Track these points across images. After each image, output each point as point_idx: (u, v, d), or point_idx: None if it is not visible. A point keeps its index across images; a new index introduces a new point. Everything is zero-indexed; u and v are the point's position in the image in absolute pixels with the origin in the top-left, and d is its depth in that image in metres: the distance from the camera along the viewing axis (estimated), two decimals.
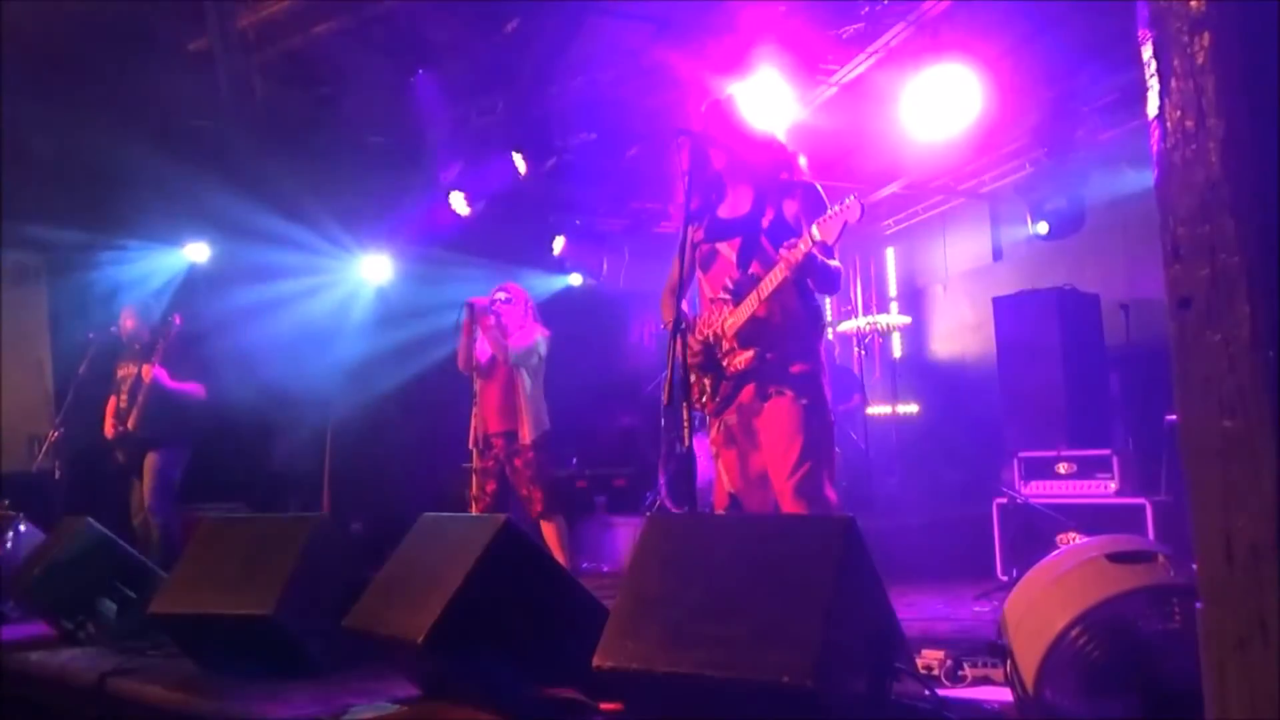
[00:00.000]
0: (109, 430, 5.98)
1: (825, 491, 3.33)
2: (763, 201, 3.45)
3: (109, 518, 5.21)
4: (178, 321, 5.99)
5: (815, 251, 3.20)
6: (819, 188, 3.48)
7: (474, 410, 5.43)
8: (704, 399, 3.49)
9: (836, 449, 6.56)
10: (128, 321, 6.13)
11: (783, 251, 3.23)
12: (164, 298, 6.87)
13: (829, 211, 3.17)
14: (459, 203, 7.50)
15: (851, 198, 3.10)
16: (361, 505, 7.79)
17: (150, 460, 5.83)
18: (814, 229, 3.16)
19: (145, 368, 5.82)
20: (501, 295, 5.52)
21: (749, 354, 3.38)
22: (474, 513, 5.31)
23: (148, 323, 6.10)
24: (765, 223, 3.42)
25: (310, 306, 7.92)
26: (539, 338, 5.44)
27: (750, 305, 3.35)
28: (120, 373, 6.06)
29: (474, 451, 5.41)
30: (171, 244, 7.67)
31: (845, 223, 3.11)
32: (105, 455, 6.04)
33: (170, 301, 6.70)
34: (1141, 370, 6.47)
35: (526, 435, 5.28)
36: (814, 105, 6.69)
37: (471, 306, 5.39)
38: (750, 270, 3.39)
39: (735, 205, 3.54)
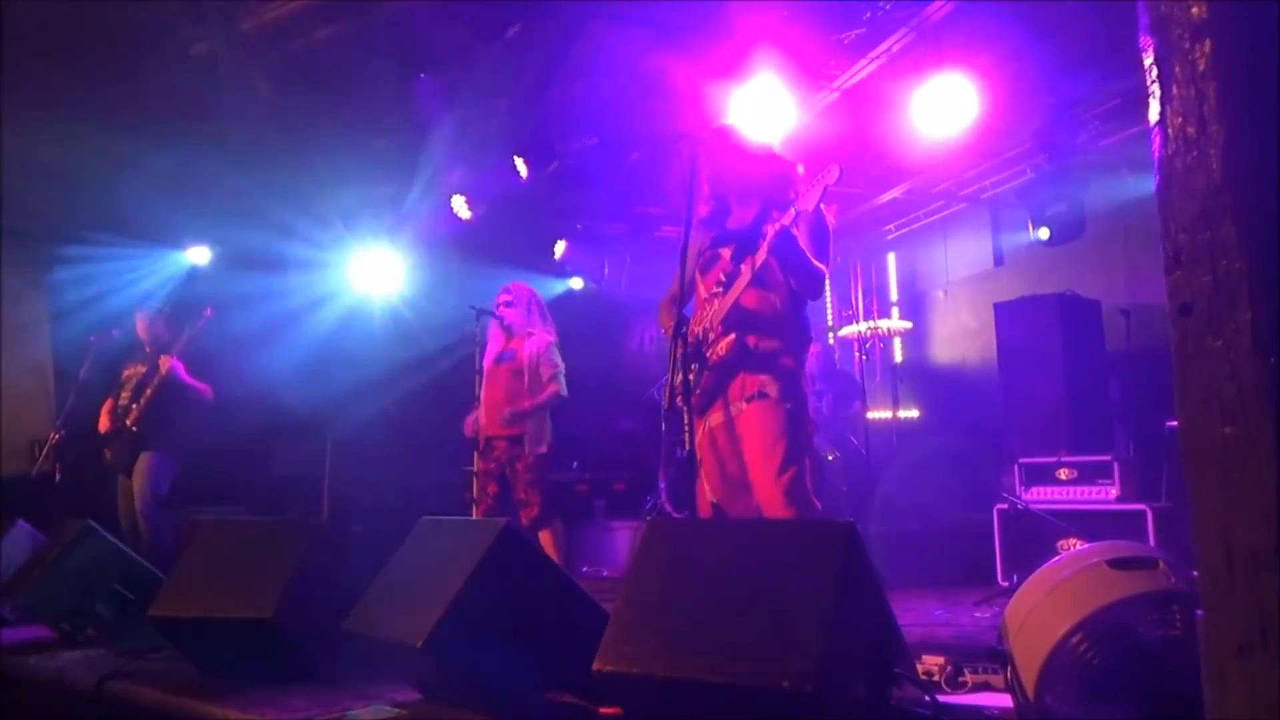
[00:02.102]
0: (104, 425, 5.91)
1: (811, 495, 3.37)
2: (767, 215, 3.50)
3: (109, 520, 5.20)
4: (208, 313, 5.96)
5: (799, 230, 3.26)
6: (820, 205, 3.53)
7: (477, 409, 5.43)
8: (692, 394, 3.51)
9: (831, 455, 6.61)
10: (139, 326, 6.10)
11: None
12: (170, 302, 6.87)
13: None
14: (460, 206, 7.53)
15: (833, 165, 3.16)
16: (361, 508, 7.78)
17: (143, 462, 5.76)
18: (796, 201, 3.24)
19: (163, 358, 5.78)
20: (505, 299, 5.53)
21: (729, 339, 3.42)
22: (474, 516, 5.30)
23: (159, 328, 6.08)
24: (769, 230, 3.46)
25: (312, 310, 7.91)
26: (556, 387, 5.38)
27: (736, 290, 3.41)
28: (125, 373, 6.02)
29: (475, 454, 5.41)
30: (173, 246, 7.67)
31: (825, 186, 3.17)
32: (96, 453, 5.98)
33: (171, 305, 6.69)
34: (1142, 376, 6.46)
35: (530, 441, 5.28)
36: (815, 110, 6.70)
37: (477, 313, 5.41)
38: (741, 264, 3.44)
39: (741, 218, 3.63)
